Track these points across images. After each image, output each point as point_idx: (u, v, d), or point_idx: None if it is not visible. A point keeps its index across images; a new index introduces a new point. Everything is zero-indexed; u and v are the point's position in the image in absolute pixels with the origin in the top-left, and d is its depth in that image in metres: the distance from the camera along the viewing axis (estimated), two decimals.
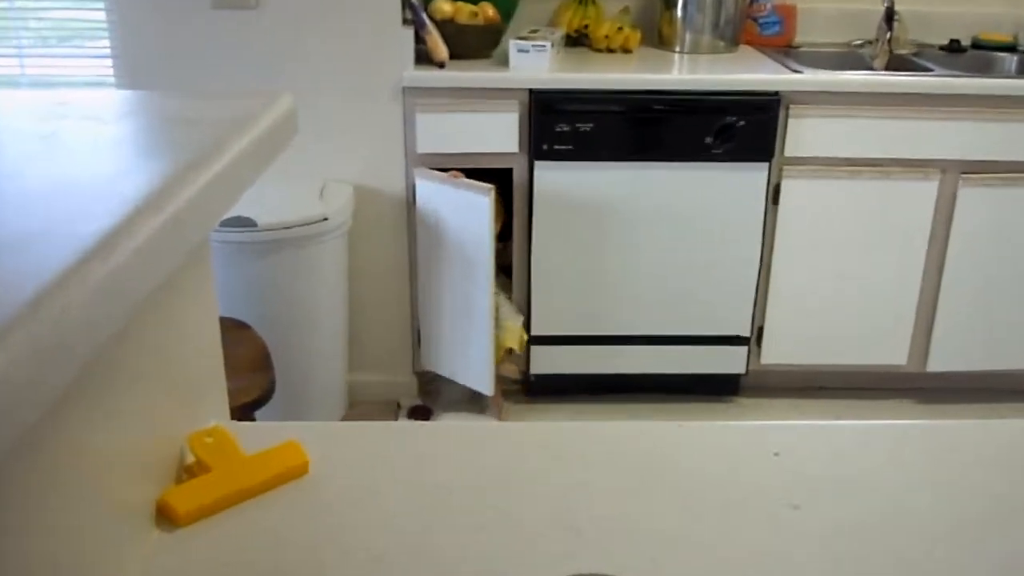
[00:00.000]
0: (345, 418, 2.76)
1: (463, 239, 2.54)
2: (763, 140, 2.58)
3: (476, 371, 2.63)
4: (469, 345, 2.63)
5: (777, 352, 2.83)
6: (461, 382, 2.71)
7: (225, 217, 2.26)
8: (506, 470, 0.80)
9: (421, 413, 2.81)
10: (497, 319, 2.66)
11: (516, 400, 2.92)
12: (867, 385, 2.96)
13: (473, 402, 2.87)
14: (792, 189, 2.65)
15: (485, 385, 2.63)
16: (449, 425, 0.86)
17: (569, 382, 2.89)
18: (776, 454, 0.83)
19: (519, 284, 2.74)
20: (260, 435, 0.82)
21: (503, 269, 2.83)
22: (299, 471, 0.78)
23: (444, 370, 2.74)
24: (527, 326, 2.77)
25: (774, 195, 2.66)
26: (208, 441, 0.78)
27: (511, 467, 0.80)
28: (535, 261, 2.69)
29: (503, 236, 2.78)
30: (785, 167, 2.63)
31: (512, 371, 2.78)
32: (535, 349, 2.79)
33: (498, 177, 2.71)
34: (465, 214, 2.52)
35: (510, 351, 2.71)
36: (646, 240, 2.68)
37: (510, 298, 2.78)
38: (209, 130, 0.73)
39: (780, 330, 2.81)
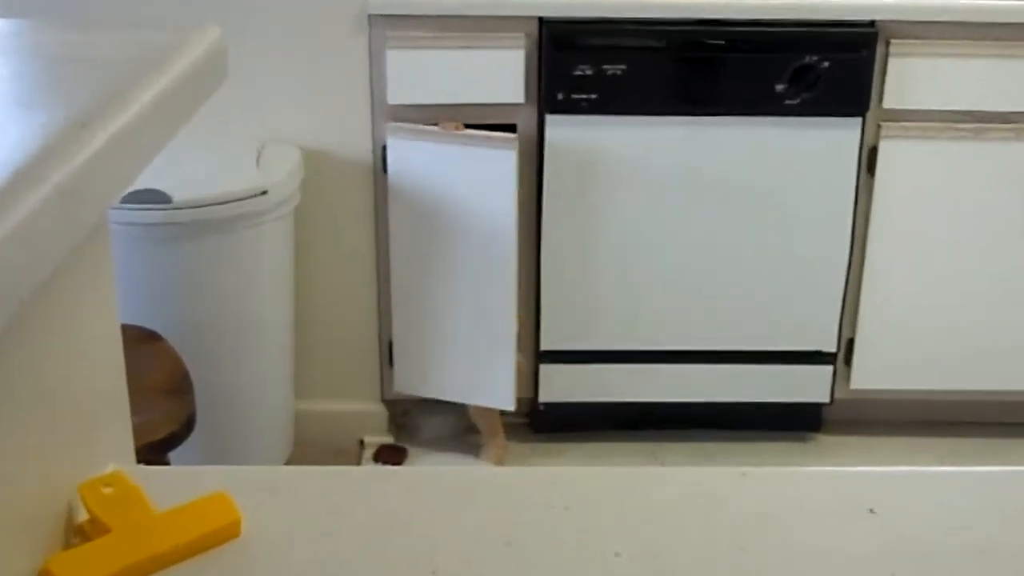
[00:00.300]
0: (290, 461, 2.76)
1: (468, 216, 2.54)
2: (854, 87, 2.58)
3: (490, 385, 2.64)
4: (475, 357, 2.63)
5: (872, 374, 2.83)
6: (458, 400, 2.71)
7: (129, 190, 2.26)
8: (505, 534, 0.80)
9: (392, 455, 2.81)
10: None
11: (519, 437, 2.92)
12: (992, 419, 2.96)
13: (462, 439, 2.87)
14: (893, 154, 2.65)
15: (507, 400, 2.64)
16: (429, 472, 0.86)
17: (589, 413, 2.89)
18: (871, 511, 0.83)
19: (523, 282, 2.74)
20: (176, 484, 0.82)
21: None
22: (228, 532, 0.78)
23: (429, 390, 2.74)
24: (534, 339, 2.76)
25: (869, 162, 2.66)
26: (106, 492, 0.78)
27: (513, 530, 0.80)
28: (545, 252, 2.69)
29: None
30: (884, 124, 2.63)
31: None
32: (544, 370, 2.79)
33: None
34: (472, 181, 2.52)
35: None
36: (695, 223, 2.68)
37: None
38: (108, 73, 0.73)
39: (877, 344, 2.81)
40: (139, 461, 0.95)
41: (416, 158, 2.56)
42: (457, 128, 2.52)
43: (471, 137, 2.49)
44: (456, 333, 2.67)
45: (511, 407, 2.66)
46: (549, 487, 0.85)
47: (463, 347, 2.67)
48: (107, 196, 0.66)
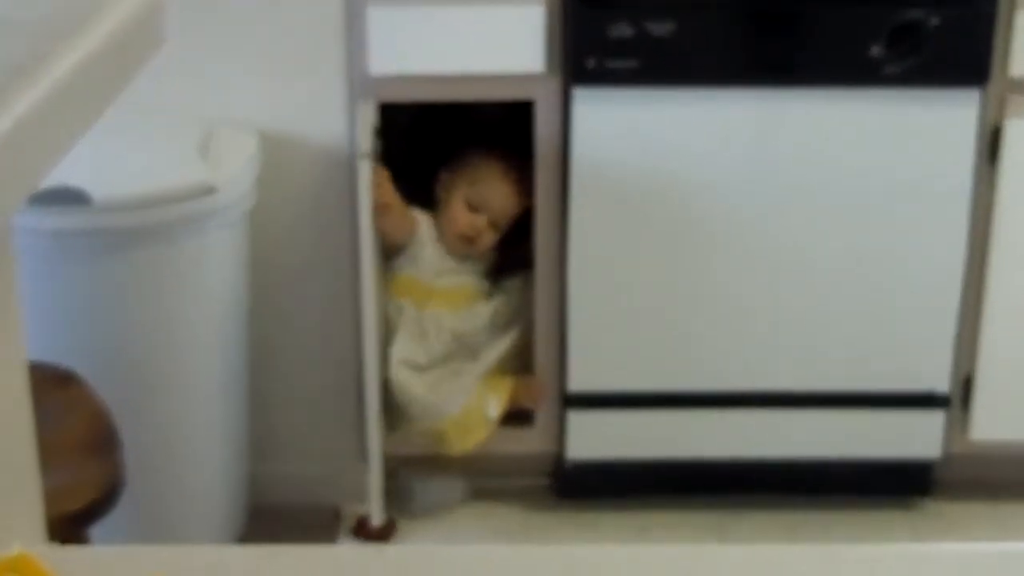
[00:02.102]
0: (244, 539, 2.76)
1: None
2: (972, 50, 2.57)
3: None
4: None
5: (997, 421, 2.82)
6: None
7: (40, 189, 2.27)
8: None
9: (376, 529, 2.80)
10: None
11: (541, 504, 2.91)
12: None
13: (469, 509, 2.86)
14: (1022, 136, 2.65)
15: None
16: (424, 552, 0.86)
17: (630, 474, 2.88)
18: None
19: (546, 308, 2.74)
20: (100, 568, 0.82)
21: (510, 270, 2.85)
22: None
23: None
24: (559, 380, 2.76)
25: (991, 146, 2.66)
26: None
27: None
28: (573, 269, 2.69)
29: (519, 231, 2.78)
30: (1011, 97, 2.63)
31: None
32: (573, 419, 2.79)
33: (512, 117, 2.70)
34: None
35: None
36: (765, 228, 2.68)
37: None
38: (15, 38, 0.73)
39: (1003, 383, 2.79)
40: (53, 539, 0.95)
41: None
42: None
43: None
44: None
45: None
46: (579, 571, 0.85)
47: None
48: (11, 197, 0.66)
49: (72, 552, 0.86)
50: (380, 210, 2.59)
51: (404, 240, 2.72)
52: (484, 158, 2.75)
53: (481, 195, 2.72)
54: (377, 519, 2.78)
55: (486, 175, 2.73)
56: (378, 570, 0.85)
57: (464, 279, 2.78)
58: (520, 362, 2.81)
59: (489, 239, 2.75)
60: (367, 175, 2.54)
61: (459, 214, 2.72)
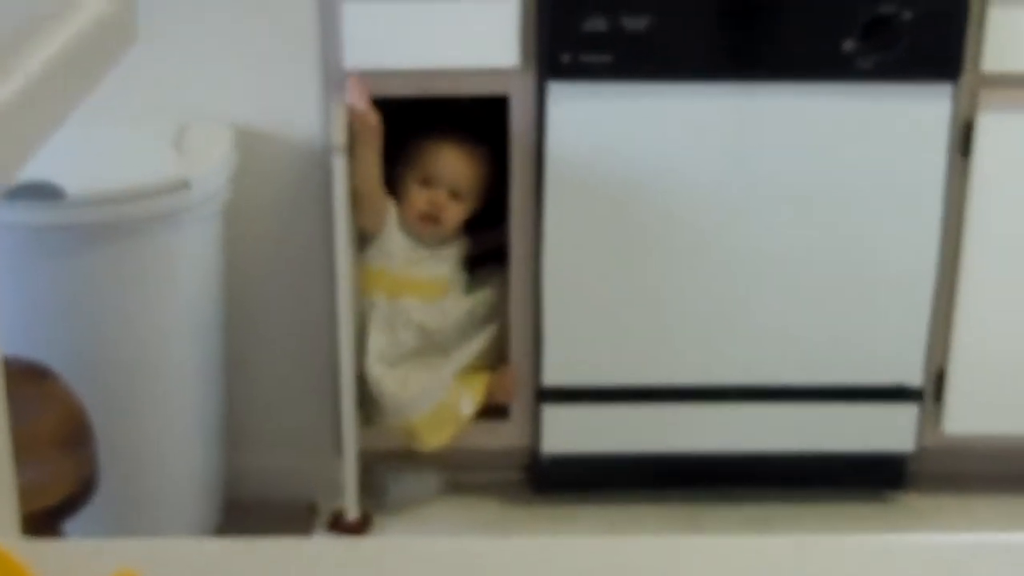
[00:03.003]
0: (219, 533, 2.76)
1: None
2: (944, 45, 2.58)
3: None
4: None
5: (970, 414, 2.83)
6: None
7: (13, 184, 2.26)
8: None
9: (351, 524, 2.80)
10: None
11: (516, 498, 2.92)
12: None
13: (444, 503, 2.86)
14: (994, 130, 2.65)
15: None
16: (400, 544, 0.86)
17: (606, 468, 2.89)
18: None
19: (520, 301, 2.75)
20: (72, 561, 0.82)
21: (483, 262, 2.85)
22: None
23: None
24: (534, 374, 2.77)
25: (963, 140, 2.67)
26: None
27: None
28: (547, 261, 2.69)
29: (491, 216, 2.78)
30: (982, 92, 2.64)
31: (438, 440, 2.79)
32: (548, 413, 2.80)
33: (487, 112, 2.70)
34: None
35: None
36: (739, 222, 2.69)
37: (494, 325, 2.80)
38: None
39: (976, 376, 2.81)
40: (27, 534, 0.95)
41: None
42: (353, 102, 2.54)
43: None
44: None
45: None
46: (555, 563, 0.85)
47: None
48: None
49: (46, 546, 0.86)
50: (362, 133, 2.56)
51: (377, 226, 2.70)
52: (428, 138, 2.74)
53: (431, 168, 2.70)
54: (352, 513, 2.78)
55: (432, 150, 2.72)
56: (354, 562, 0.85)
57: (437, 269, 2.76)
58: (495, 355, 2.81)
59: (455, 212, 2.72)
60: (342, 170, 2.54)
61: (414, 194, 2.70)
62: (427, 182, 2.70)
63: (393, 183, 2.72)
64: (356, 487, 2.76)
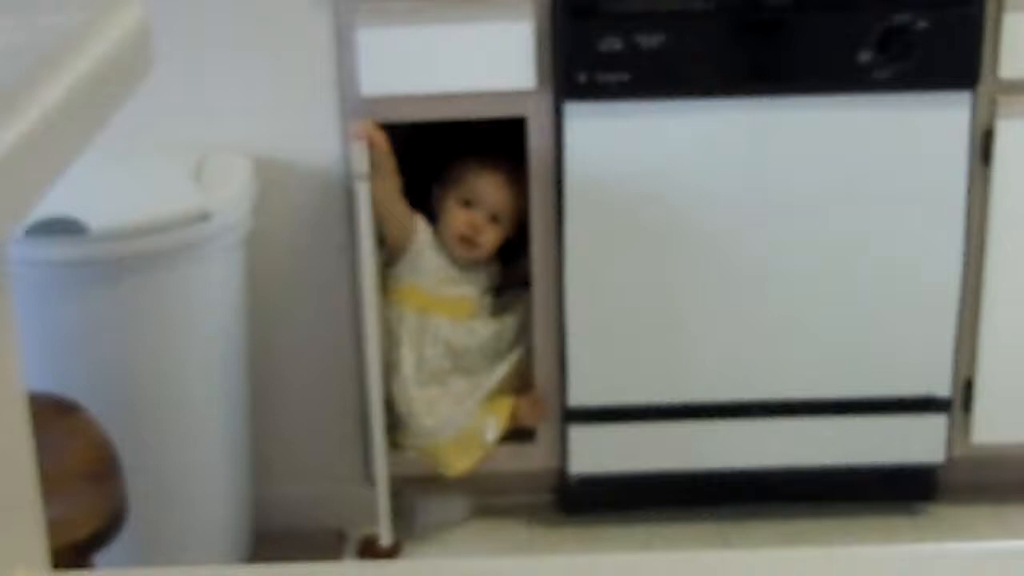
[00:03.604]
0: (250, 562, 2.75)
1: None
2: (961, 53, 2.58)
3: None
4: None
5: (1000, 423, 2.82)
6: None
7: (34, 220, 2.27)
8: None
9: (380, 548, 2.80)
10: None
11: (545, 520, 2.91)
12: None
13: (473, 527, 2.86)
14: (1014, 136, 2.64)
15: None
16: (430, 566, 0.86)
17: (634, 487, 2.88)
18: None
19: (543, 321, 2.74)
20: None
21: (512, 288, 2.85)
22: None
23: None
24: (559, 394, 2.76)
25: (983, 148, 2.66)
26: None
27: None
28: (570, 281, 2.69)
29: (518, 248, 2.79)
30: (1002, 99, 2.63)
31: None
32: (575, 433, 2.79)
33: (505, 135, 2.70)
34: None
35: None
36: (760, 236, 2.68)
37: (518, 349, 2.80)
38: (2, 65, 0.73)
39: (1004, 384, 2.79)
40: (57, 567, 0.95)
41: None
42: (356, 134, 2.54)
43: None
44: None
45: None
46: None
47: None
48: (2, 224, 0.66)
49: None
50: (376, 168, 2.57)
51: (404, 239, 2.70)
52: (470, 160, 2.76)
53: (472, 189, 2.72)
54: (386, 539, 2.78)
55: (474, 172, 2.73)
56: None
57: (466, 290, 2.77)
58: (518, 379, 2.81)
59: (491, 237, 2.73)
60: (365, 197, 2.54)
61: (455, 214, 2.71)
62: (468, 204, 2.71)
63: (425, 200, 2.73)
64: (388, 513, 2.75)
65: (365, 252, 2.59)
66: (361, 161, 2.52)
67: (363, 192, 2.54)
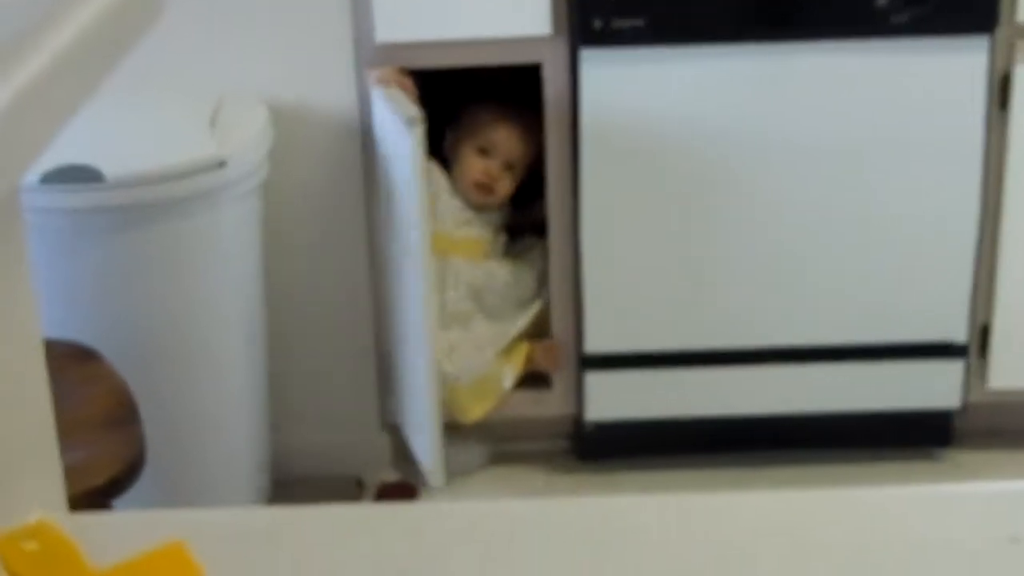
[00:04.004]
0: (268, 505, 2.77)
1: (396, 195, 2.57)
2: None
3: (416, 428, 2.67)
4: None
5: (1016, 369, 2.82)
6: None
7: (50, 168, 2.27)
8: None
9: (398, 494, 2.81)
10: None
11: (561, 466, 2.92)
12: None
13: (490, 474, 2.87)
14: None
15: (426, 455, 2.66)
16: (447, 509, 0.86)
17: (650, 434, 2.89)
18: (1015, 540, 0.82)
19: (560, 268, 2.75)
20: (121, 533, 0.82)
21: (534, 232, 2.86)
22: None
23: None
24: (575, 341, 2.77)
25: (1001, 93, 2.65)
26: (30, 548, 0.78)
27: None
28: (586, 228, 2.69)
29: (529, 191, 2.79)
30: (1019, 44, 2.61)
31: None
32: (591, 380, 2.80)
33: (520, 82, 2.70)
34: (393, 152, 2.54)
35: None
36: (776, 183, 2.68)
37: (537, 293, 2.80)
38: (13, 7, 0.73)
39: (1021, 332, 2.79)
40: (75, 509, 0.95)
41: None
42: (392, 78, 2.52)
43: (392, 99, 2.50)
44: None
45: (437, 477, 2.68)
46: (602, 523, 0.85)
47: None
48: (14, 167, 0.66)
49: (94, 519, 0.87)
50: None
51: None
52: (485, 107, 2.77)
53: (488, 139, 2.73)
54: (399, 486, 2.79)
55: (490, 120, 2.75)
56: (401, 528, 0.85)
57: (480, 231, 2.78)
58: (535, 325, 2.82)
59: (506, 184, 2.75)
60: (420, 140, 2.47)
61: (471, 162, 2.73)
62: (484, 152, 2.73)
63: (437, 144, 2.73)
64: (440, 454, 2.74)
65: (420, 198, 2.53)
66: (407, 105, 2.50)
67: (417, 135, 2.47)
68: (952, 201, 2.70)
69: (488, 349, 2.76)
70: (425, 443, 2.68)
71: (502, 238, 2.84)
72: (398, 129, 2.47)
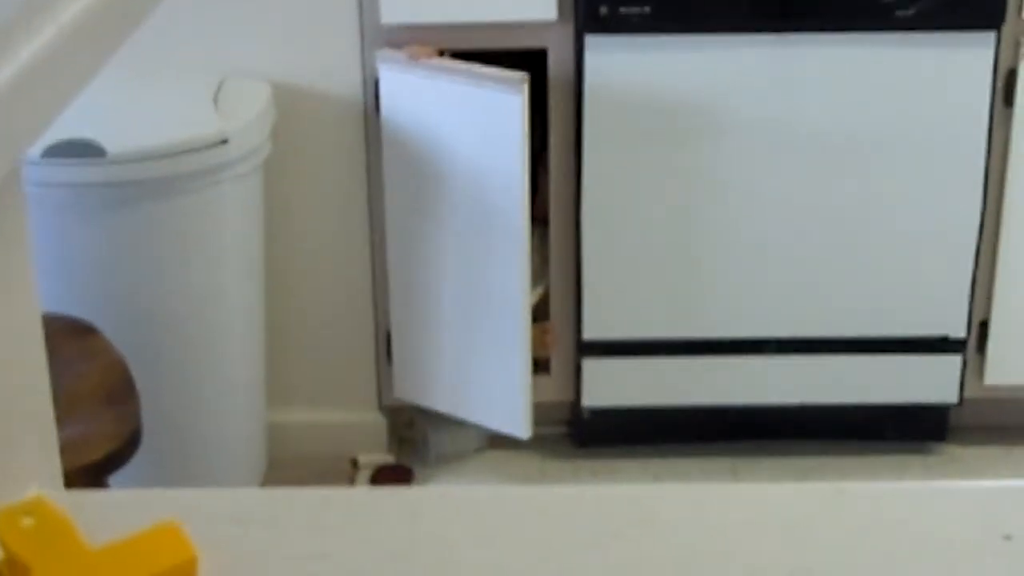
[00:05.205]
0: (265, 487, 2.77)
1: (468, 173, 2.55)
2: None
3: (498, 401, 2.64)
4: (483, 358, 2.63)
5: (1014, 365, 2.82)
6: (472, 420, 2.72)
7: (52, 142, 2.27)
8: (540, 572, 0.80)
9: (393, 476, 2.81)
10: None
11: (558, 452, 2.92)
12: None
13: (484, 457, 2.87)
14: None
15: (517, 424, 2.64)
16: (442, 493, 0.86)
17: (647, 421, 2.89)
18: (1008, 537, 0.83)
19: (559, 255, 2.75)
20: (115, 512, 0.82)
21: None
22: (180, 574, 0.78)
23: (437, 402, 2.75)
24: (574, 327, 2.77)
25: (1006, 90, 2.64)
26: (26, 524, 0.78)
27: (550, 567, 0.80)
28: (586, 215, 2.69)
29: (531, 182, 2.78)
30: None
31: None
32: (588, 366, 2.80)
33: (525, 67, 2.70)
34: (468, 128, 2.51)
35: None
36: (779, 175, 2.67)
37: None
38: None
39: (1019, 329, 2.79)
40: (70, 486, 0.96)
41: (414, 96, 2.57)
42: (429, 56, 2.51)
43: (469, 74, 2.48)
44: (456, 327, 2.67)
45: (523, 434, 2.67)
46: (596, 512, 0.85)
47: (464, 347, 2.68)
48: (18, 143, 0.66)
49: (88, 496, 0.87)
50: None
51: None
52: None
53: None
54: (394, 468, 2.79)
55: None
56: (396, 511, 0.85)
57: None
58: (535, 311, 2.81)
59: None
60: (527, 98, 2.46)
61: None
62: None
63: None
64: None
65: (524, 161, 2.51)
66: (489, 70, 2.48)
67: (526, 93, 2.45)
68: (954, 196, 2.70)
69: None
70: (514, 391, 2.66)
71: None
72: (494, 95, 2.46)
